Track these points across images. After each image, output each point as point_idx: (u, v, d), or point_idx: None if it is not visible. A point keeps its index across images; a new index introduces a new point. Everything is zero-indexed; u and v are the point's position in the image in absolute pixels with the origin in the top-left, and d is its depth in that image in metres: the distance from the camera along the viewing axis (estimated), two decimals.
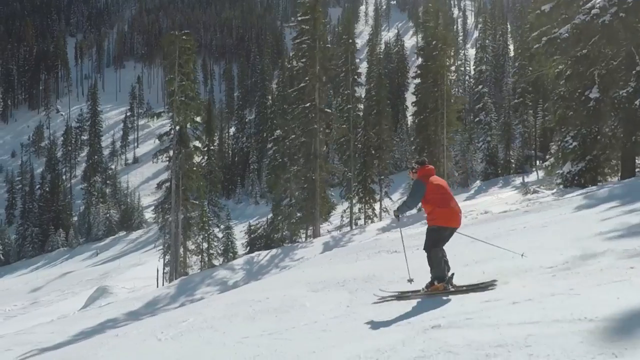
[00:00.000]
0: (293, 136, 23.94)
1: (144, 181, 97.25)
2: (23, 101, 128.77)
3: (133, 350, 5.74)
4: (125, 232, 69.25)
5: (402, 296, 5.70)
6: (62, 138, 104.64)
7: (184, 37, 23.32)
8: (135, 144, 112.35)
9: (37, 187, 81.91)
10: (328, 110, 24.34)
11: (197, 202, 23.86)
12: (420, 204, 5.74)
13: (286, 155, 25.05)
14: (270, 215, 29.35)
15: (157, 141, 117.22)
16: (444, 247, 5.57)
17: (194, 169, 23.97)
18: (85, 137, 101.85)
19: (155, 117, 24.21)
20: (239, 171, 78.69)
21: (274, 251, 19.99)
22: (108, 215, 71.12)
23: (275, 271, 17.39)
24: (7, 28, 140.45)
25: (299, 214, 24.43)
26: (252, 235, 27.32)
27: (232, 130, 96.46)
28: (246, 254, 28.07)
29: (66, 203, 78.74)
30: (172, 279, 22.82)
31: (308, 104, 23.14)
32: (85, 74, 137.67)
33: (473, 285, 5.39)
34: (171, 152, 23.53)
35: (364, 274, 7.62)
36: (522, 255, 5.92)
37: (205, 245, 27.54)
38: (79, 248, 68.25)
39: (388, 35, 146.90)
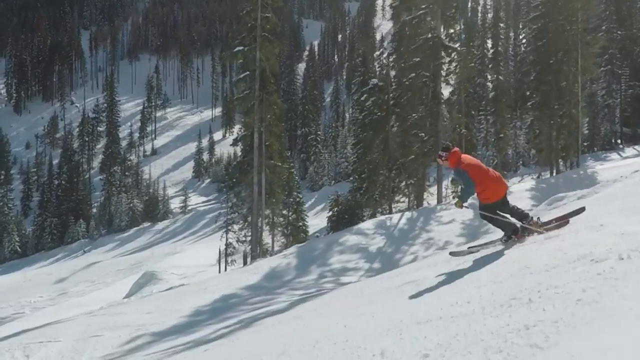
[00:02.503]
0: (413, 75, 19.20)
1: (163, 173, 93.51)
2: (37, 93, 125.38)
3: None
4: (150, 223, 65.04)
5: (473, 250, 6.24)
6: (78, 129, 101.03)
7: None
8: (153, 136, 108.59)
9: (55, 177, 78.31)
10: (452, 45, 19.63)
11: (279, 164, 19.34)
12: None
13: (383, 109, 20.42)
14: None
15: (175, 133, 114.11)
16: (510, 200, 5.95)
17: (277, 123, 19.40)
18: (101, 129, 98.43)
19: (234, 58, 19.52)
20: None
21: (408, 214, 15.64)
22: (131, 205, 66.98)
23: (426, 236, 12.88)
24: (21, 19, 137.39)
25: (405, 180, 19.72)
26: (336, 209, 22.54)
27: None
28: (328, 232, 23.52)
29: (86, 193, 74.88)
30: (253, 257, 18.28)
31: (429, 35, 18.51)
32: (100, 66, 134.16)
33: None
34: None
35: None
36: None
37: (292, 216, 22.81)
38: (100, 239, 64.17)
39: None
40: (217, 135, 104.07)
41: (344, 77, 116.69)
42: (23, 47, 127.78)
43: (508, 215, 5.80)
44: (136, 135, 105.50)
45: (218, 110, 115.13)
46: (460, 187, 6.71)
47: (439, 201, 19.18)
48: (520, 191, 16.14)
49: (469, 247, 6.51)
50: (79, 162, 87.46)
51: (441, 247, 11.85)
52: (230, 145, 23.61)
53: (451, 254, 6.47)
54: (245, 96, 18.80)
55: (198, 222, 59.77)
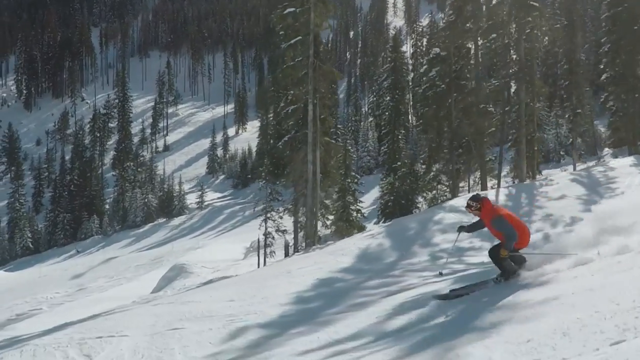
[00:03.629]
0: (494, 36, 16.84)
1: (176, 169, 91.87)
2: (47, 89, 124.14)
3: None
4: (165, 219, 63.17)
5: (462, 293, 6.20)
6: (89, 125, 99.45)
7: None
8: (165, 132, 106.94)
9: (67, 172, 76.76)
10: (535, 3, 17.23)
11: (333, 142, 17.22)
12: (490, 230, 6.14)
13: (445, 81, 18.21)
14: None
15: (188, 130, 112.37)
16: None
17: (330, 95, 17.27)
18: (113, 125, 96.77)
19: (283, 20, 17.28)
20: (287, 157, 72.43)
21: (504, 190, 13.60)
22: (146, 200, 65.10)
23: (541, 212, 10.77)
24: (30, 16, 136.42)
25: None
26: (391, 196, 20.36)
27: (272, 116, 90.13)
28: (379, 219, 21.36)
29: (99, 189, 73.17)
30: (307, 244, 16.16)
31: None
32: (110, 62, 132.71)
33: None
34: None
35: None
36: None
37: (349, 199, 20.52)
38: (115, 235, 62.34)
39: (420, 25, 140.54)
40: (230, 132, 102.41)
41: (358, 73, 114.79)
42: (33, 44, 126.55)
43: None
44: (148, 131, 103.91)
45: (230, 107, 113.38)
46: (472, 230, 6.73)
47: (521, 180, 16.90)
48: (624, 166, 13.99)
49: (451, 291, 6.35)
50: (92, 157, 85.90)
51: (569, 223, 9.79)
52: (278, 119, 21.28)
53: (437, 297, 6.20)
54: (296, 64, 16.58)
55: (216, 218, 57.89)
